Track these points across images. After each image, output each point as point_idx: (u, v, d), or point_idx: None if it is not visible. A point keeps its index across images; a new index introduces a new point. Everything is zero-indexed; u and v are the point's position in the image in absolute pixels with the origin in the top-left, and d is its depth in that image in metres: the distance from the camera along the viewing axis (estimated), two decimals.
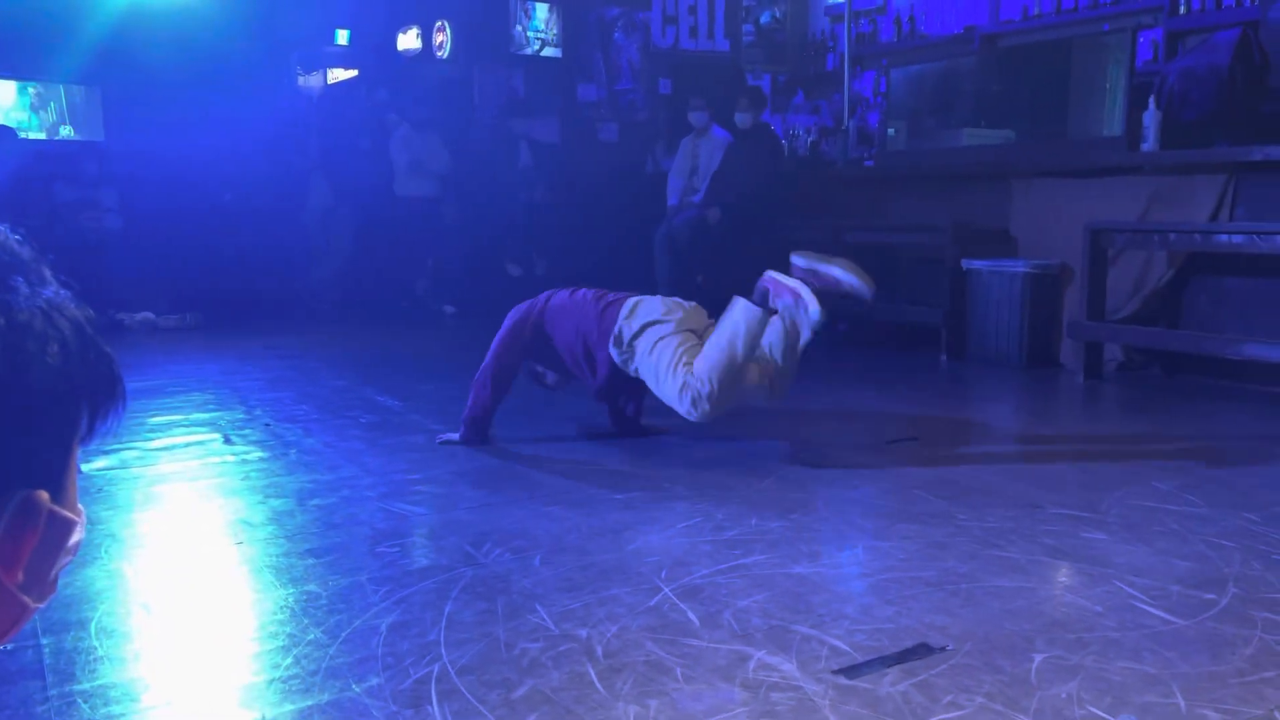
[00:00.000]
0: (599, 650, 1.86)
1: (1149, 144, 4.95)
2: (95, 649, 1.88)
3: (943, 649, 1.86)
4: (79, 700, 1.69)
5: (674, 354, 3.23)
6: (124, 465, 3.27)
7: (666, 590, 2.16)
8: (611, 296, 3.51)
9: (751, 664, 1.81)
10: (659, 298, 3.51)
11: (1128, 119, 5.13)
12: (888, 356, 5.82)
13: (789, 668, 1.79)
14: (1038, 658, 1.83)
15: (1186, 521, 2.65)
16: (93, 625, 1.99)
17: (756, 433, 3.71)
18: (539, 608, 2.06)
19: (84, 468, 3.16)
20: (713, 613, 2.04)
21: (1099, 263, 4.91)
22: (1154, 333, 4.93)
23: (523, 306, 3.65)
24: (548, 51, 9.11)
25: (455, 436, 3.54)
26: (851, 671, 1.77)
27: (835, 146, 7.55)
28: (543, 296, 3.66)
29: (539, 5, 9.03)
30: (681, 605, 2.08)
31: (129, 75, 8.18)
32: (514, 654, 1.85)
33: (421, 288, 8.04)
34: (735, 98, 6.98)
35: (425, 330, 7.11)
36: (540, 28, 9.06)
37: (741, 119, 6.84)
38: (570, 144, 9.01)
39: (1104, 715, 1.62)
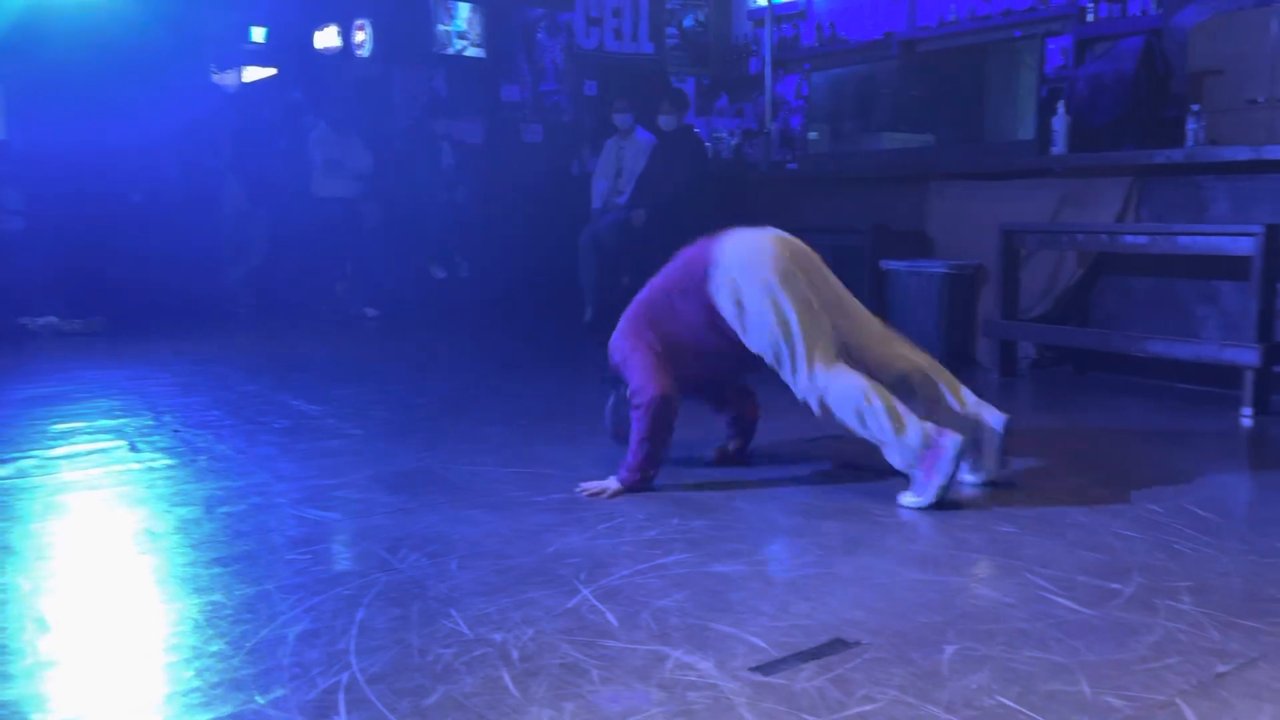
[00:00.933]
0: (514, 654, 1.83)
1: (1059, 147, 5.09)
2: None
3: (857, 643, 1.87)
4: None
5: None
6: (22, 474, 3.13)
7: (585, 592, 2.14)
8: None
9: (669, 664, 1.80)
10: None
11: (1038, 123, 5.26)
12: None
13: (706, 666, 1.78)
14: (949, 649, 1.85)
15: (1094, 514, 2.72)
16: None
17: (681, 433, 3.71)
18: (454, 612, 2.03)
19: None
20: (631, 613, 2.02)
21: (1012, 263, 5.03)
22: (1065, 331, 5.06)
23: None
24: (470, 51, 9.02)
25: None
26: (767, 668, 1.77)
27: (758, 149, 7.62)
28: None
29: (461, 5, 8.94)
30: (600, 606, 2.06)
31: (33, 70, 7.87)
32: (427, 660, 1.81)
33: (341, 290, 7.89)
34: (658, 100, 7.00)
35: (345, 333, 6.98)
36: (462, 27, 8.97)
37: (665, 121, 6.87)
38: (494, 145, 8.94)
39: (1012, 705, 1.64)
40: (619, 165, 7.21)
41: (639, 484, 2.89)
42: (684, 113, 7.04)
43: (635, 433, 2.90)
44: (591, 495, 2.84)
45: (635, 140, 7.16)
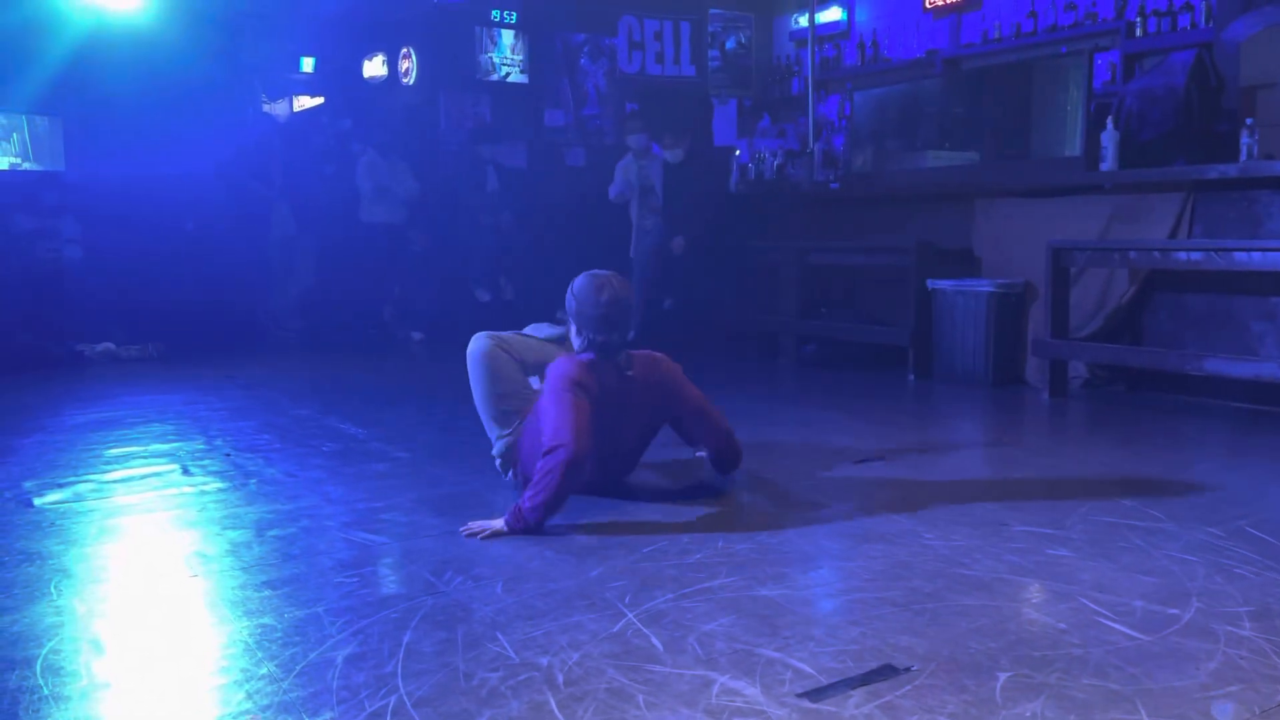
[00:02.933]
0: (560, 678, 1.83)
1: (1108, 163, 5.02)
2: (40, 688, 1.82)
3: (907, 669, 1.84)
4: None
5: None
6: (79, 499, 3.20)
7: (630, 615, 2.13)
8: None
9: (715, 689, 1.78)
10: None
11: (1086, 139, 5.19)
12: (855, 377, 5.83)
13: (752, 692, 1.76)
14: (1002, 676, 1.81)
15: (1150, 537, 2.66)
16: (39, 663, 1.93)
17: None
18: (500, 636, 2.03)
19: (37, 501, 3.10)
20: (677, 638, 2.01)
21: (1061, 281, 4.96)
22: (1117, 350, 4.97)
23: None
24: (514, 77, 9.12)
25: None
26: (815, 695, 1.75)
27: (801, 170, 7.59)
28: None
29: (505, 32, 9.05)
30: (645, 631, 2.05)
31: (90, 104, 8.09)
32: (473, 684, 1.81)
33: (388, 314, 7.98)
34: (660, 133, 7.07)
35: (392, 358, 7.06)
36: (506, 54, 9.08)
37: (673, 155, 6.94)
38: (537, 169, 9.01)
39: None
40: (646, 182, 7.21)
41: (523, 531, 2.74)
42: (686, 144, 7.05)
43: (539, 485, 2.73)
44: (471, 535, 2.72)
45: (653, 157, 7.18)
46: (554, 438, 2.77)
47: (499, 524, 2.74)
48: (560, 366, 3.00)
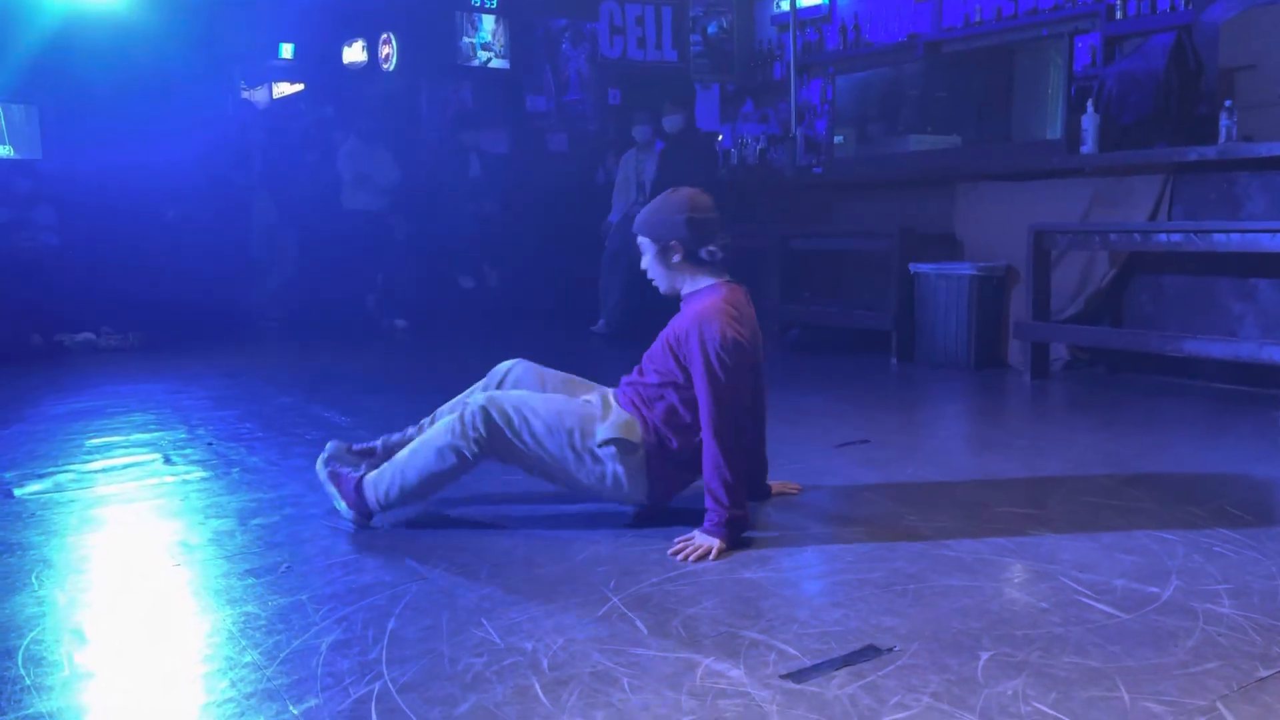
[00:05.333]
0: (545, 663, 1.83)
1: (1088, 146, 5.03)
2: (22, 678, 1.81)
3: (890, 650, 1.86)
4: None
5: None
6: (59, 488, 3.18)
7: (615, 600, 2.14)
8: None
9: (699, 671, 1.79)
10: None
11: (1067, 122, 5.21)
12: (838, 361, 5.84)
13: (737, 674, 1.77)
14: (984, 655, 1.83)
15: (1130, 516, 2.68)
16: (20, 654, 1.92)
17: None
18: (485, 621, 2.03)
19: (17, 492, 3.08)
20: (661, 621, 2.02)
21: (1043, 264, 4.98)
22: (1098, 331, 5.00)
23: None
24: (495, 63, 9.07)
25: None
26: (799, 676, 1.76)
27: (783, 154, 7.59)
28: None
29: (485, 17, 9.00)
30: (630, 614, 2.05)
31: (67, 92, 8.01)
32: (458, 669, 1.81)
33: (371, 302, 7.94)
34: (660, 101, 7.00)
35: (376, 345, 7.03)
36: (487, 39, 9.02)
37: (670, 122, 6.86)
38: (520, 155, 8.98)
39: (1049, 711, 1.62)
40: (640, 178, 7.21)
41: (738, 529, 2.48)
42: (689, 109, 7.01)
43: (718, 467, 2.47)
44: (689, 557, 2.38)
45: (655, 153, 7.16)
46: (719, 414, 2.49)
47: (714, 542, 2.40)
48: (716, 319, 2.52)
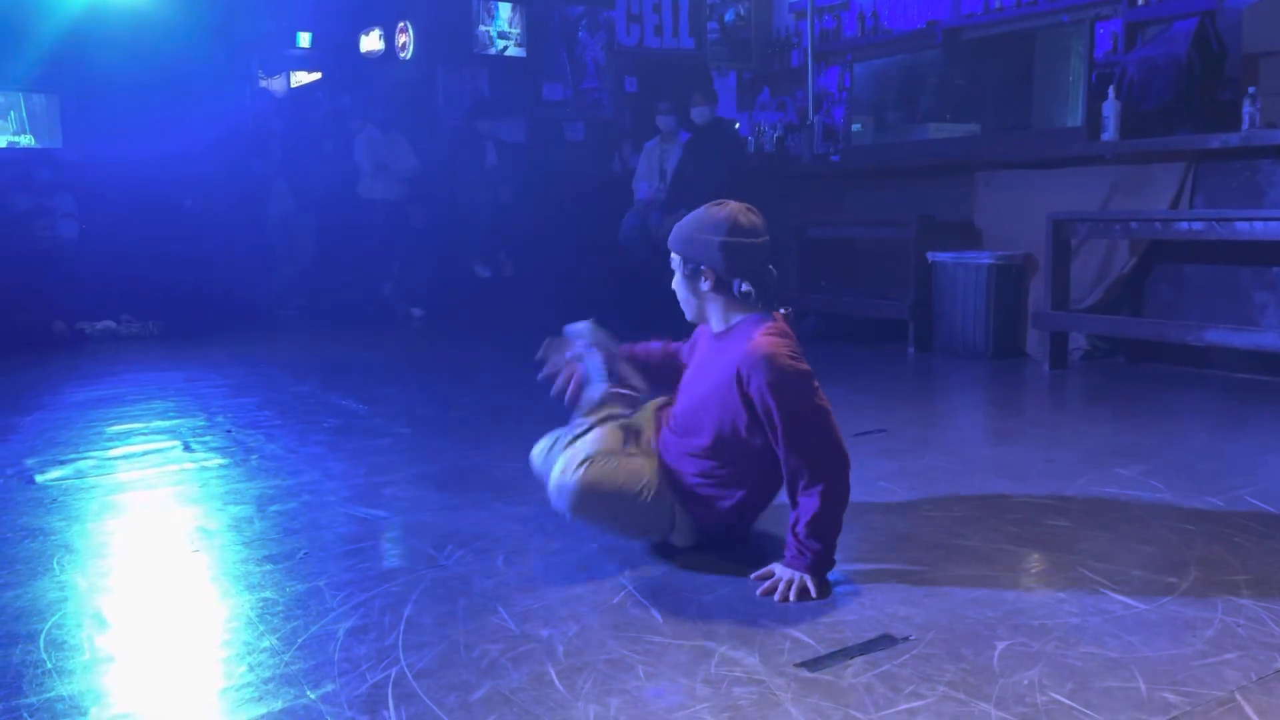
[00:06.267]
0: (560, 650, 1.84)
1: (1109, 134, 4.98)
2: (44, 662, 1.84)
3: (905, 639, 1.85)
4: (24, 714, 1.64)
5: None
6: (80, 475, 3.21)
7: (630, 588, 2.14)
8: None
9: (714, 659, 1.79)
10: None
11: (1088, 109, 5.16)
12: (855, 350, 5.83)
13: (752, 662, 1.78)
14: (1000, 645, 1.82)
15: (1149, 507, 2.66)
16: (42, 638, 1.94)
17: None
18: (500, 608, 2.04)
19: (39, 478, 3.11)
20: (676, 608, 2.02)
21: (1062, 252, 4.94)
22: (1117, 321, 4.96)
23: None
24: (512, 51, 9.06)
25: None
26: (814, 664, 1.76)
27: (801, 142, 7.55)
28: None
29: (502, 5, 8.98)
30: (645, 602, 2.06)
31: (87, 81, 8.07)
32: (473, 656, 1.82)
33: (388, 291, 7.97)
34: (689, 93, 7.00)
35: (392, 334, 7.05)
36: (504, 27, 9.01)
37: (698, 113, 6.87)
38: (536, 144, 8.97)
39: (1066, 701, 1.61)
40: (662, 167, 7.20)
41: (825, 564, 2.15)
42: (715, 103, 7.02)
43: (821, 505, 2.12)
44: (780, 597, 2.07)
45: (679, 143, 7.14)
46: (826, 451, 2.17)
47: (797, 575, 2.10)
48: (776, 357, 2.16)
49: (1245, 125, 4.62)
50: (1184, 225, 4.46)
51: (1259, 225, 4.18)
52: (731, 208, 2.30)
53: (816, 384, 2.23)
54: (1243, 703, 1.60)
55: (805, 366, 2.21)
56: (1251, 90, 4.75)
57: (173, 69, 8.03)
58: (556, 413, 3.61)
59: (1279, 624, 1.89)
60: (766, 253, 2.32)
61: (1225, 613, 1.95)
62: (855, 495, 2.83)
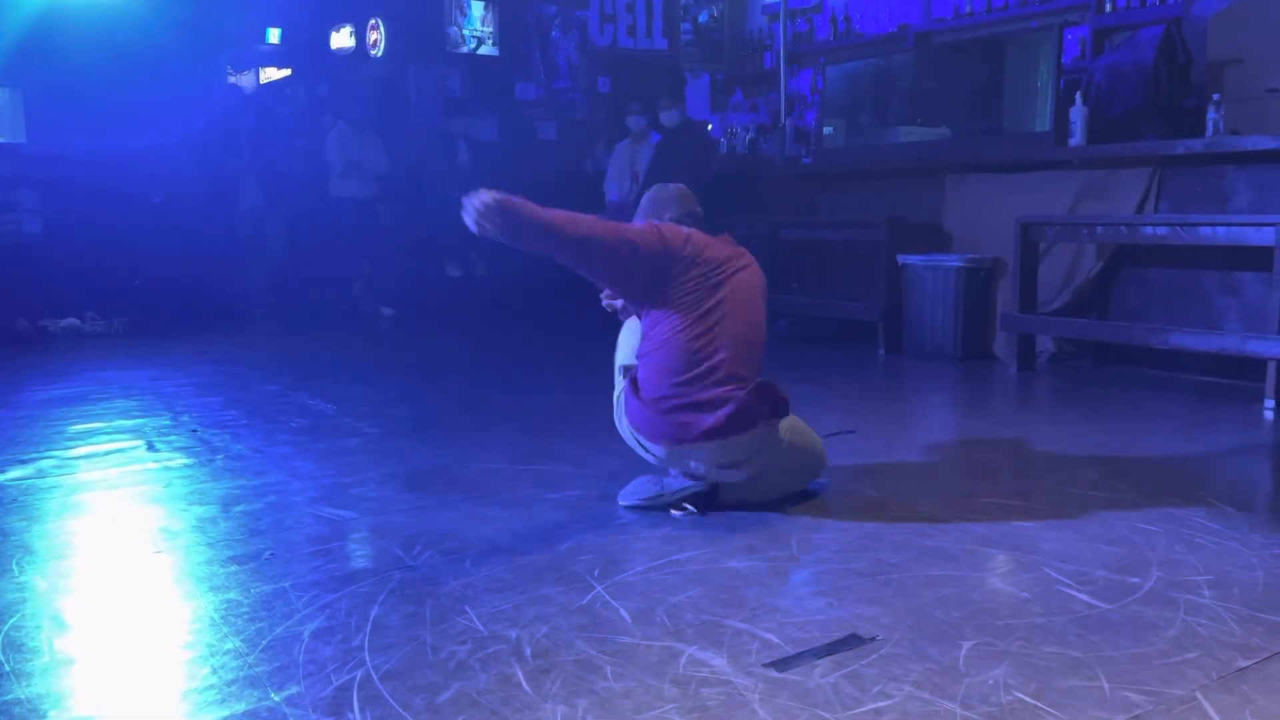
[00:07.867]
0: (528, 651, 1.83)
1: (1077, 139, 5.04)
2: (2, 664, 1.80)
3: (872, 639, 1.86)
4: None
5: None
6: (41, 474, 3.16)
7: (599, 588, 2.14)
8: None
9: (682, 660, 1.79)
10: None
11: (1056, 114, 5.21)
12: (826, 351, 5.85)
13: (719, 663, 1.78)
14: (966, 645, 1.83)
15: (1113, 508, 2.69)
16: None
17: None
18: (468, 609, 2.03)
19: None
20: (645, 610, 2.02)
21: (1030, 256, 4.99)
22: (1084, 324, 5.01)
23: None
24: (484, 50, 9.03)
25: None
26: (782, 664, 1.76)
27: (773, 144, 7.58)
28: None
29: (475, 3, 8.95)
30: (614, 603, 2.05)
31: (52, 75, 7.94)
32: (440, 657, 1.81)
33: (358, 289, 7.91)
34: (657, 96, 6.98)
35: (362, 333, 7.00)
36: (476, 26, 8.98)
37: (667, 117, 6.85)
38: (509, 143, 8.94)
39: (1030, 700, 1.63)
40: (634, 168, 7.18)
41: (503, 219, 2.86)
42: (683, 105, 7.01)
43: (554, 218, 2.98)
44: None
45: (649, 144, 7.14)
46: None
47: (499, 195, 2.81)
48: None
49: (1209, 131, 4.69)
50: (1149, 230, 4.52)
51: (1222, 230, 4.24)
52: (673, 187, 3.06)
53: (663, 235, 2.85)
54: (1204, 702, 1.62)
55: (671, 228, 2.89)
56: (1216, 97, 4.82)
57: (140, 63, 7.92)
58: (532, 415, 3.60)
59: (1240, 624, 1.92)
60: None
61: (1187, 612, 1.98)
62: (822, 496, 2.86)
